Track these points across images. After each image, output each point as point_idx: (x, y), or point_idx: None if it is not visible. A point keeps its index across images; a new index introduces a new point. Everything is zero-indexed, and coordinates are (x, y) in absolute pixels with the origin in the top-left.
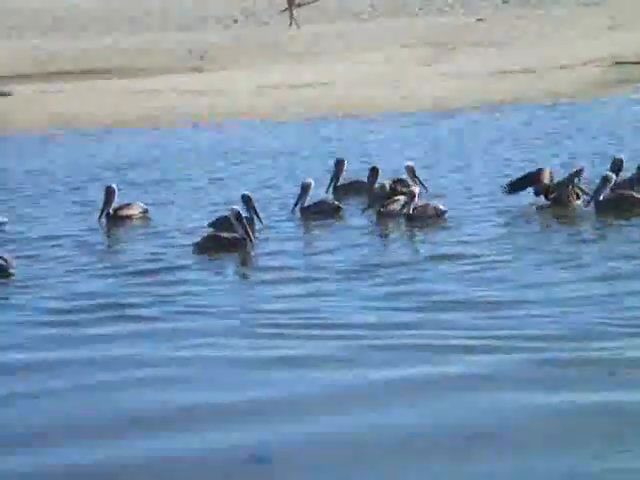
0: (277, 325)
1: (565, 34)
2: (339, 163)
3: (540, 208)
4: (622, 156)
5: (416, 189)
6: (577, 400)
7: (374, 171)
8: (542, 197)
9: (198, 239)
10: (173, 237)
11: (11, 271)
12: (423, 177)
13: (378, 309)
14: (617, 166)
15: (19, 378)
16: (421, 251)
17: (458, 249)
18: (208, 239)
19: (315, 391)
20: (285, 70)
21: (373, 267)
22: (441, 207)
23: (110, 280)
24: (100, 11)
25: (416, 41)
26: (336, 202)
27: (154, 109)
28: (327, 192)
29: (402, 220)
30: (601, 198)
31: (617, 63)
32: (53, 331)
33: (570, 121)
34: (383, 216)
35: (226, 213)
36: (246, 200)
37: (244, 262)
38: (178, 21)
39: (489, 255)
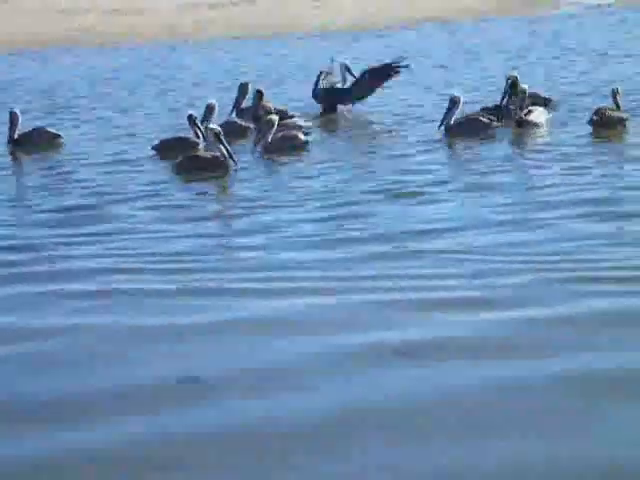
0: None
1: None
2: (243, 86)
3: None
4: (515, 73)
5: (275, 118)
6: None
7: (259, 94)
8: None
9: (178, 158)
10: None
11: None
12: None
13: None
14: (513, 84)
15: None
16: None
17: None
18: (189, 159)
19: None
20: None
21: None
22: (301, 137)
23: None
24: None
25: None
26: (244, 123)
27: (73, 29)
28: (230, 115)
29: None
30: (452, 122)
31: None
32: None
33: (489, 38)
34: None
35: (169, 136)
36: (193, 120)
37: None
38: None
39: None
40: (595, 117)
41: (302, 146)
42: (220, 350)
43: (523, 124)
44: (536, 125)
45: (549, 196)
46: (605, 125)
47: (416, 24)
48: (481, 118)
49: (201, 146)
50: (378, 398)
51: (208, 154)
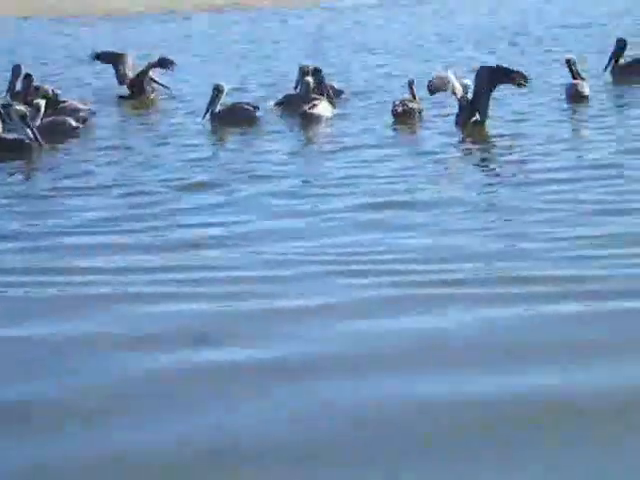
0: None
1: None
2: (15, 68)
3: None
4: (308, 62)
5: (42, 102)
6: None
7: (28, 79)
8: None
9: None
10: None
11: None
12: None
13: None
14: (306, 73)
15: None
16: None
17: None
18: None
19: None
20: None
21: None
22: (71, 122)
23: None
24: None
25: None
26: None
27: None
28: (5, 98)
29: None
30: (217, 110)
31: None
32: None
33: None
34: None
35: None
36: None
37: None
38: None
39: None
40: (399, 108)
41: (72, 132)
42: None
43: (307, 117)
44: (321, 118)
45: (336, 188)
46: (406, 116)
47: (217, 9)
48: (244, 106)
49: None
50: None
51: (10, 136)
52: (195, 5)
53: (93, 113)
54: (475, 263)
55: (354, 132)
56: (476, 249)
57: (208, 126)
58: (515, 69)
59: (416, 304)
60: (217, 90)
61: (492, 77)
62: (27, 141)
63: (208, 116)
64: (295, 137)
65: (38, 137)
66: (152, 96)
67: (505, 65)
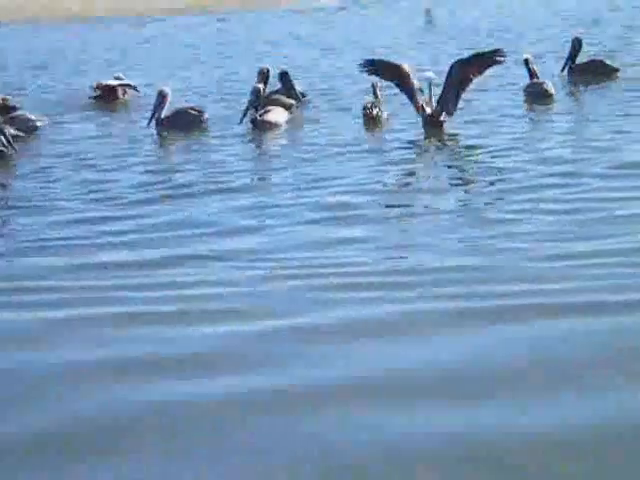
0: None
1: None
2: None
3: None
4: (267, 66)
5: None
6: None
7: None
8: None
9: None
10: None
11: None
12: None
13: None
14: (265, 76)
15: None
16: None
17: None
18: None
19: None
20: None
21: None
22: (12, 131)
23: None
24: None
25: None
26: None
27: None
28: None
29: None
30: (162, 116)
31: None
32: None
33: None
34: None
35: None
36: None
37: None
38: None
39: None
40: (373, 111)
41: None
42: None
43: (259, 124)
44: (273, 124)
45: (292, 199)
46: (377, 118)
47: (178, 12)
48: (190, 110)
49: None
50: None
51: None
52: (161, 8)
53: (44, 125)
54: (453, 275)
55: (317, 139)
56: (451, 263)
57: (155, 134)
58: (488, 50)
59: (397, 322)
60: (161, 95)
61: (467, 70)
62: (1, 148)
63: (153, 122)
64: (254, 145)
65: (12, 144)
66: (126, 98)
67: (477, 52)
